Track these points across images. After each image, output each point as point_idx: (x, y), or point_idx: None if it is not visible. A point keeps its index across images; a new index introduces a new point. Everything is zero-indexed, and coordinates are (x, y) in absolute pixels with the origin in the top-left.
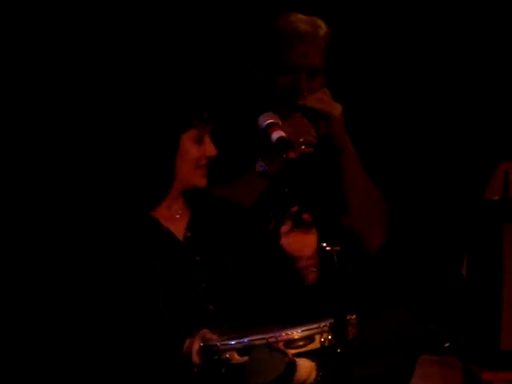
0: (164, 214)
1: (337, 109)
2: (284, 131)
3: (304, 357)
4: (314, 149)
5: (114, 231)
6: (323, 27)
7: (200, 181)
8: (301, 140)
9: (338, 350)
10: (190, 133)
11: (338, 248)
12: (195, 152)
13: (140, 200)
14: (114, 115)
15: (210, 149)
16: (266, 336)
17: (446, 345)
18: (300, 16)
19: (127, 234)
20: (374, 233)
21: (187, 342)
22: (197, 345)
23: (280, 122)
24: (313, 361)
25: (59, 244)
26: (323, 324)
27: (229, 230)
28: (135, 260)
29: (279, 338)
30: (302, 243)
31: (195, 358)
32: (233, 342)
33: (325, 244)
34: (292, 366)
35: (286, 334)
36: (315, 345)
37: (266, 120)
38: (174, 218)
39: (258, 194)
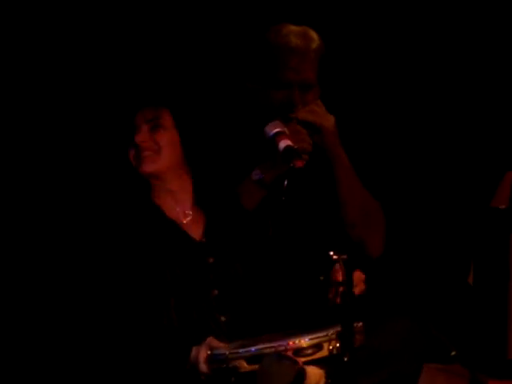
0: (180, 217)
1: (329, 120)
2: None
3: (313, 364)
4: (308, 156)
5: (120, 228)
6: (315, 39)
7: (140, 168)
8: (296, 147)
9: (345, 359)
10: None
11: (344, 256)
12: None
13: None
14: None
15: (137, 136)
16: (275, 344)
17: (453, 353)
18: (292, 28)
19: (140, 236)
20: (371, 243)
21: (194, 350)
22: (204, 353)
23: (287, 131)
24: (322, 368)
25: (72, 250)
26: (331, 332)
27: (240, 235)
28: (145, 260)
29: (288, 347)
30: None
31: (203, 367)
32: (241, 351)
33: (332, 253)
34: (301, 375)
35: (295, 343)
36: (323, 353)
37: (274, 129)
38: (191, 222)
39: (256, 203)
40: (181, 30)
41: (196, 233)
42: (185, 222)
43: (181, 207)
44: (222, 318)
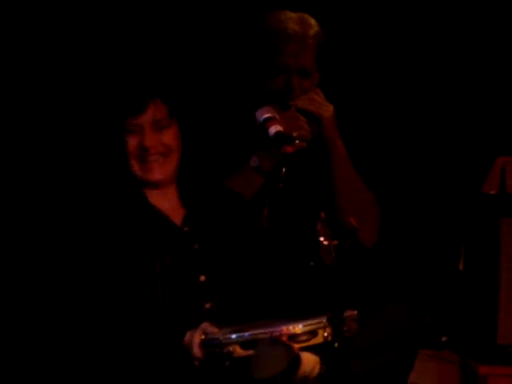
0: (161, 203)
1: (327, 110)
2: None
3: (308, 351)
4: (306, 144)
5: (108, 221)
6: (313, 25)
7: (149, 175)
8: (294, 134)
9: (336, 345)
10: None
11: (335, 242)
12: (130, 143)
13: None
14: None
15: (144, 139)
16: (269, 330)
17: (443, 339)
18: (289, 14)
19: (124, 225)
20: (364, 233)
21: (188, 334)
22: (198, 338)
23: (278, 117)
24: (317, 355)
25: (59, 244)
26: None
27: (228, 222)
28: (134, 251)
29: (282, 332)
30: None
31: (196, 352)
32: (235, 336)
33: (322, 238)
34: (296, 360)
35: (289, 329)
36: (318, 339)
37: (264, 114)
38: (172, 208)
39: (255, 190)
40: (176, 23)
41: (177, 219)
42: (167, 207)
43: (163, 194)
44: (207, 305)
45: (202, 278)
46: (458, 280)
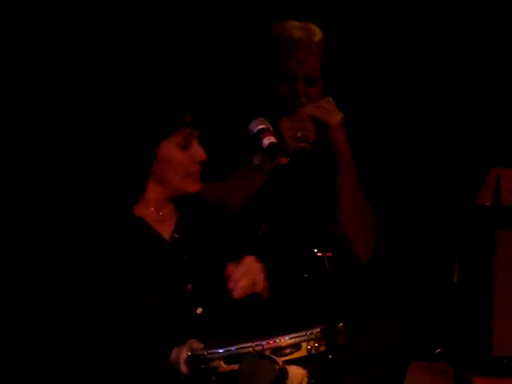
0: (152, 217)
1: (335, 118)
2: (284, 125)
3: (294, 364)
4: (310, 146)
5: (95, 232)
6: (318, 33)
7: (192, 187)
8: (299, 135)
9: (330, 356)
10: (172, 139)
11: (329, 254)
12: (182, 158)
13: (113, 201)
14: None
15: (198, 153)
16: (253, 344)
17: (438, 351)
18: (294, 23)
19: (110, 235)
20: (360, 245)
21: (174, 351)
22: (184, 354)
23: (271, 128)
24: (304, 368)
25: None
26: (310, 332)
27: (218, 235)
28: (119, 263)
29: (266, 346)
30: (251, 284)
31: (183, 368)
32: (220, 351)
33: (316, 250)
34: (283, 374)
35: (273, 342)
36: (302, 353)
37: (257, 126)
38: (162, 221)
39: (255, 189)
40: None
41: (167, 229)
42: (156, 219)
43: (156, 208)
44: (199, 310)
45: (190, 286)
46: (452, 292)
